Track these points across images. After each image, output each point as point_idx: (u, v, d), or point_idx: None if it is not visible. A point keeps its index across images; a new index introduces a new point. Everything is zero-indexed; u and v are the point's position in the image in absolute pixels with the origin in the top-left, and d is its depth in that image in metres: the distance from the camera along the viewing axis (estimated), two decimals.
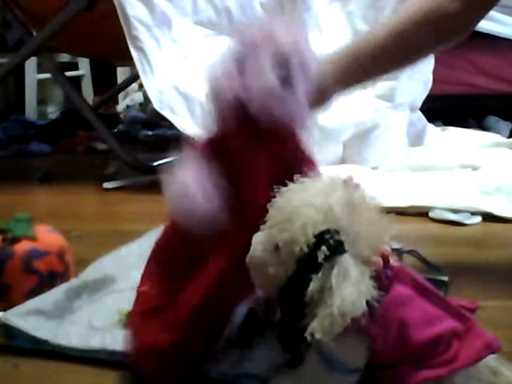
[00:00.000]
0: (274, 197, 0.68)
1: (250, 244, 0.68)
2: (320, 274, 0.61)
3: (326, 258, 0.61)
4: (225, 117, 0.74)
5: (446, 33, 0.99)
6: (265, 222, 0.68)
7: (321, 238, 0.62)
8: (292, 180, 0.68)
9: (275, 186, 0.68)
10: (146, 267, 0.85)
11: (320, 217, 0.63)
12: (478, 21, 1.03)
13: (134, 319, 0.79)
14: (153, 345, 0.74)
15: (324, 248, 0.61)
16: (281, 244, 0.64)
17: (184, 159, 0.78)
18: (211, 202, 0.73)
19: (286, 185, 0.68)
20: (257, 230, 0.68)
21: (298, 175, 0.69)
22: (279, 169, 0.73)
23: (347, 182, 0.67)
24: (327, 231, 0.62)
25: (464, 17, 0.98)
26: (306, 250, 0.62)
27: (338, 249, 0.61)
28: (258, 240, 0.67)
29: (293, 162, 0.75)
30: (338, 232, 0.62)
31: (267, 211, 0.68)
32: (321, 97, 0.87)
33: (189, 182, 0.74)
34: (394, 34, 0.95)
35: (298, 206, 0.64)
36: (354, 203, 0.64)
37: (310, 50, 0.80)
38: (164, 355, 0.73)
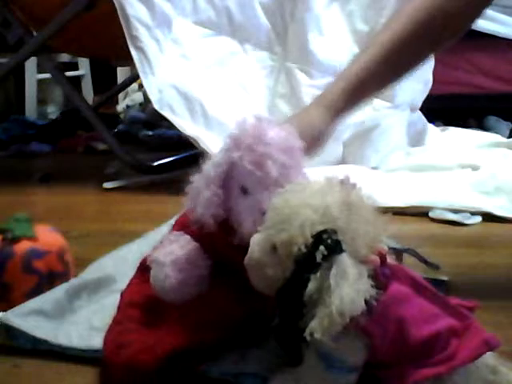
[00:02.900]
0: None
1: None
2: (318, 274, 0.61)
3: (324, 258, 0.61)
4: (206, 226, 0.75)
5: (444, 34, 1.00)
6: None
7: (319, 237, 0.62)
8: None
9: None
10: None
11: (317, 217, 0.63)
12: (478, 17, 1.04)
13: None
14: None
15: (322, 248, 0.62)
16: (278, 244, 0.64)
17: (166, 236, 0.82)
18: (185, 276, 0.78)
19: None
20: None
21: None
22: None
23: (344, 182, 0.67)
24: (325, 231, 0.63)
25: (465, 12, 0.99)
26: (303, 250, 0.63)
27: (335, 248, 0.62)
28: (256, 241, 0.67)
29: None
30: (335, 232, 0.63)
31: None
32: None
33: (163, 258, 0.78)
34: (393, 51, 0.98)
35: (296, 207, 0.64)
36: (350, 203, 0.64)
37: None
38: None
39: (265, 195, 0.71)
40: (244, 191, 0.73)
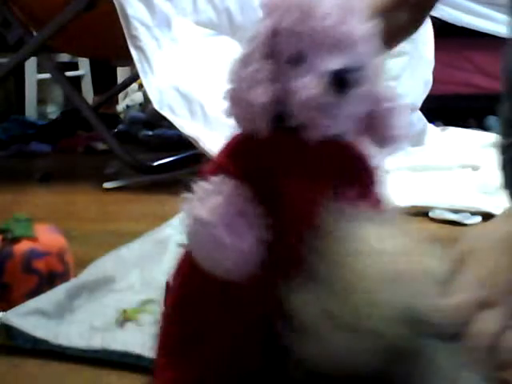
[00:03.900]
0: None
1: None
2: None
3: None
4: (253, 129, 0.56)
5: (407, 21, 1.00)
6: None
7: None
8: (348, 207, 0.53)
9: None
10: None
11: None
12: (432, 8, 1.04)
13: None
14: None
15: None
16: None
17: (201, 185, 0.58)
18: (243, 240, 0.55)
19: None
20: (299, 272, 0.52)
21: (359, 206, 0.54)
22: (330, 190, 0.55)
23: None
24: None
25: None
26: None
27: None
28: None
29: (348, 180, 0.58)
30: None
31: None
32: None
33: (210, 216, 0.56)
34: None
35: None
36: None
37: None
38: None
39: (325, 56, 0.54)
40: (295, 61, 0.55)
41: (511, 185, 1.06)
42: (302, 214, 0.55)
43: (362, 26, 0.56)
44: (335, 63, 0.53)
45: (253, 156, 0.58)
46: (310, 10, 0.55)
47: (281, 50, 0.56)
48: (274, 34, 0.56)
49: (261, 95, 0.54)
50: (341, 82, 0.53)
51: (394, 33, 1.00)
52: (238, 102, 0.56)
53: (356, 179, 0.59)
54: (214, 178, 0.58)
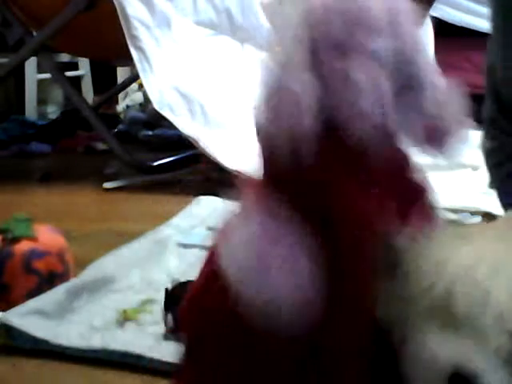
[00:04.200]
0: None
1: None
2: None
3: None
4: (301, 147, 0.44)
5: None
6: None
7: None
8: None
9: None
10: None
11: None
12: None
13: None
14: None
15: None
16: None
17: (243, 209, 0.47)
18: (300, 280, 0.44)
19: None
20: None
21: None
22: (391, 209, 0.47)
23: None
24: None
25: None
26: None
27: None
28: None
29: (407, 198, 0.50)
30: None
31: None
32: None
33: (260, 249, 0.44)
34: None
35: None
36: None
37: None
38: None
39: (377, 41, 0.46)
40: (344, 54, 0.46)
41: (499, 186, 1.07)
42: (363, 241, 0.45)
43: (408, 9, 0.48)
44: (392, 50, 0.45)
45: (298, 181, 0.46)
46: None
47: (327, 50, 0.46)
48: (317, 31, 0.47)
49: (308, 108, 0.44)
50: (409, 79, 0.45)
51: None
52: (276, 115, 0.45)
53: (414, 197, 0.52)
54: (245, 205, 0.47)
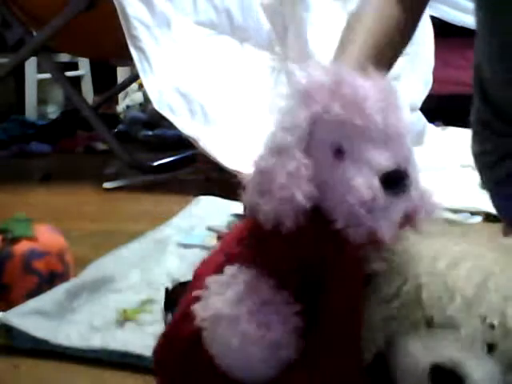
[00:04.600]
0: None
1: None
2: None
3: None
4: (280, 223, 0.50)
5: (398, 38, 1.01)
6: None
7: None
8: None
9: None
10: None
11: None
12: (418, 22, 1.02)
13: None
14: None
15: None
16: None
17: (215, 279, 0.53)
18: (272, 330, 0.50)
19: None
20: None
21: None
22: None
23: None
24: None
25: (405, 19, 0.98)
26: None
27: None
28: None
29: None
30: None
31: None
32: None
33: (232, 309, 0.51)
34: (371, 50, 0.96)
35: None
36: None
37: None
38: None
39: (373, 151, 0.50)
40: (339, 154, 0.51)
41: (490, 188, 1.07)
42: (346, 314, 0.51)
43: (403, 123, 0.52)
44: (386, 160, 0.49)
45: (279, 246, 0.52)
46: (355, 100, 0.50)
47: (321, 141, 0.51)
48: (314, 123, 0.51)
49: (298, 195, 0.49)
50: (394, 182, 0.49)
51: (392, 59, 1.02)
52: (269, 195, 0.50)
53: None
54: (229, 269, 0.53)
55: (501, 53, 0.98)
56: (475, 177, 1.71)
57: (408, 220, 0.52)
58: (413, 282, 0.48)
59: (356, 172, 0.49)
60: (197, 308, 0.52)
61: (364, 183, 0.49)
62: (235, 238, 0.56)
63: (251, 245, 0.54)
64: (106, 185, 1.89)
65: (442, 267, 0.48)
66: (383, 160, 0.49)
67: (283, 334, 0.50)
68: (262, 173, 0.51)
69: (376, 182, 0.48)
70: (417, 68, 2.25)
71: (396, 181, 0.49)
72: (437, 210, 0.55)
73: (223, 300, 0.51)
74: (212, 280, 0.53)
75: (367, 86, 0.51)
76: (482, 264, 0.48)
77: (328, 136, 0.51)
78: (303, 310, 0.51)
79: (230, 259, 0.54)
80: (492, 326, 0.45)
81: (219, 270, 0.53)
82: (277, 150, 0.51)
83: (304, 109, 0.51)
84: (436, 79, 2.33)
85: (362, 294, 0.51)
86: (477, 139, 1.05)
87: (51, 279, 0.96)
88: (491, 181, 1.05)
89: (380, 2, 0.97)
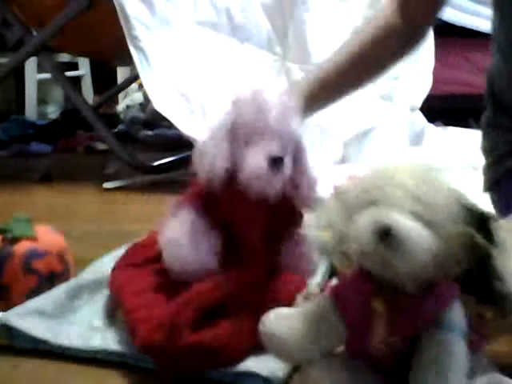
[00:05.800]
0: None
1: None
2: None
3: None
4: (210, 182, 0.81)
5: (397, 47, 1.04)
6: None
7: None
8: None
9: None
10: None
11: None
12: (424, 33, 1.08)
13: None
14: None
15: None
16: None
17: (175, 211, 0.85)
18: (202, 252, 0.82)
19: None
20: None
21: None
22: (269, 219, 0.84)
23: None
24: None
25: (408, 30, 1.04)
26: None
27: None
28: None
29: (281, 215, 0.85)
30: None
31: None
32: None
33: (180, 236, 0.83)
34: (354, 58, 1.04)
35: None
36: None
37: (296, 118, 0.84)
38: None
39: (264, 142, 0.79)
40: (246, 143, 0.80)
41: (489, 187, 1.07)
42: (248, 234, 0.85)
43: (294, 122, 0.82)
44: (274, 149, 0.79)
45: (211, 198, 0.84)
46: (259, 109, 0.80)
47: (237, 135, 0.81)
48: (234, 123, 0.81)
49: (220, 163, 0.80)
50: (276, 163, 0.79)
51: (384, 60, 1.06)
52: (203, 163, 0.81)
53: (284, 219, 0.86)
54: (182, 211, 0.85)
55: None
56: (475, 177, 1.72)
57: (294, 188, 0.84)
58: (366, 182, 0.70)
59: (253, 155, 0.79)
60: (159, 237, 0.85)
61: (256, 162, 0.79)
62: (191, 193, 0.87)
63: (198, 197, 0.85)
64: (106, 185, 1.89)
65: (391, 171, 0.72)
66: (271, 149, 0.79)
67: (209, 254, 0.83)
68: (201, 152, 0.82)
69: (263, 162, 0.78)
70: (416, 68, 2.25)
71: (276, 162, 0.78)
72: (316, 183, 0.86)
73: (175, 230, 0.84)
74: (169, 215, 0.86)
75: (271, 98, 0.80)
76: None
77: (240, 131, 0.81)
78: (224, 235, 0.85)
79: (182, 205, 0.86)
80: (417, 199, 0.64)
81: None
82: (211, 139, 0.82)
83: (229, 114, 0.82)
84: (436, 79, 2.33)
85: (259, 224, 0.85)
86: (484, 150, 1.06)
87: (51, 279, 0.97)
88: (494, 178, 1.05)
89: (387, 12, 1.05)
